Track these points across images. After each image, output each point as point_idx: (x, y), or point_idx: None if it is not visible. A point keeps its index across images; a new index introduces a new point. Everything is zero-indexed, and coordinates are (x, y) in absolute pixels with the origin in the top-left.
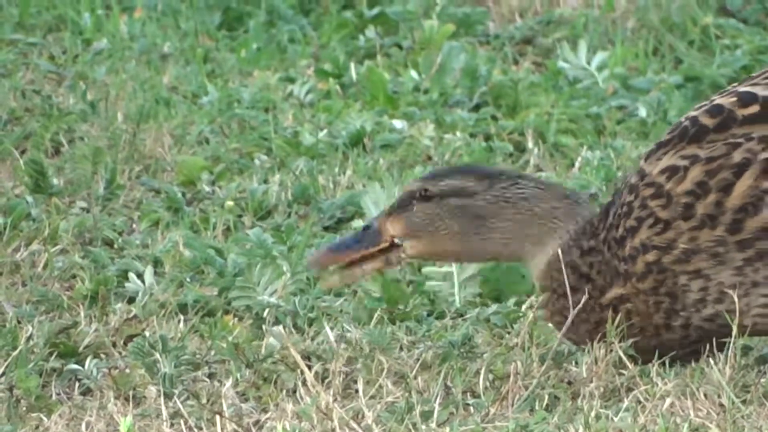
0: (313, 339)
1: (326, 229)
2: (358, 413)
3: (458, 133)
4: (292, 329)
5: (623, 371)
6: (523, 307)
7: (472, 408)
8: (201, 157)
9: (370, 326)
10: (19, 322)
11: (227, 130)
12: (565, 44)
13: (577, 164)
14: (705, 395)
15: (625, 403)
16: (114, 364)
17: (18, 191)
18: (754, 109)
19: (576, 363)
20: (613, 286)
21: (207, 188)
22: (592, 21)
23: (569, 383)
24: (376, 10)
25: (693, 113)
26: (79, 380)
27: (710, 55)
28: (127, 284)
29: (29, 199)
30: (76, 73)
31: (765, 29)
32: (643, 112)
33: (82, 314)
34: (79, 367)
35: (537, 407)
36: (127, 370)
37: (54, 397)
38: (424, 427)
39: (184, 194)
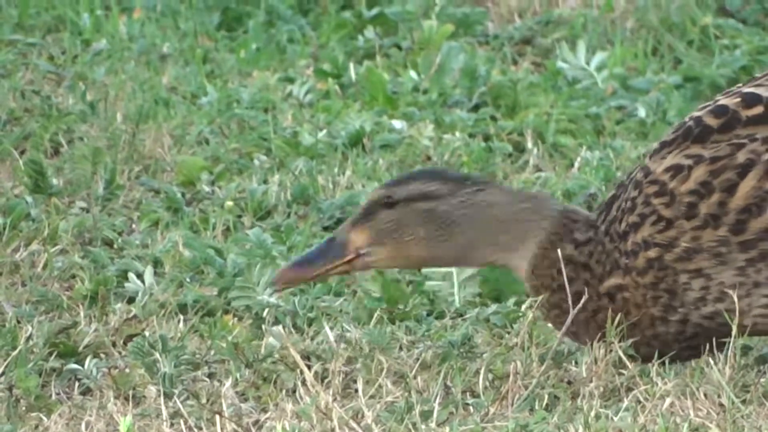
0: (312, 339)
1: (326, 229)
2: (358, 413)
3: (457, 134)
4: (292, 329)
5: (623, 371)
6: (523, 307)
7: (471, 408)
8: (200, 157)
9: (370, 326)
10: (18, 322)
11: (227, 131)
12: (564, 44)
13: (576, 164)
14: (705, 395)
15: (625, 402)
16: (114, 364)
17: (17, 191)
18: (759, 110)
19: (576, 363)
20: (612, 276)
21: (206, 188)
22: (591, 21)
23: (569, 383)
24: (375, 11)
25: (697, 113)
26: (79, 380)
27: (709, 56)
28: (126, 284)
29: (29, 199)
30: (76, 74)
31: (764, 29)
32: (642, 112)
33: (81, 314)
34: (79, 367)
35: (537, 407)
36: (127, 370)
37: (54, 396)
38: (423, 426)
39: (183, 194)
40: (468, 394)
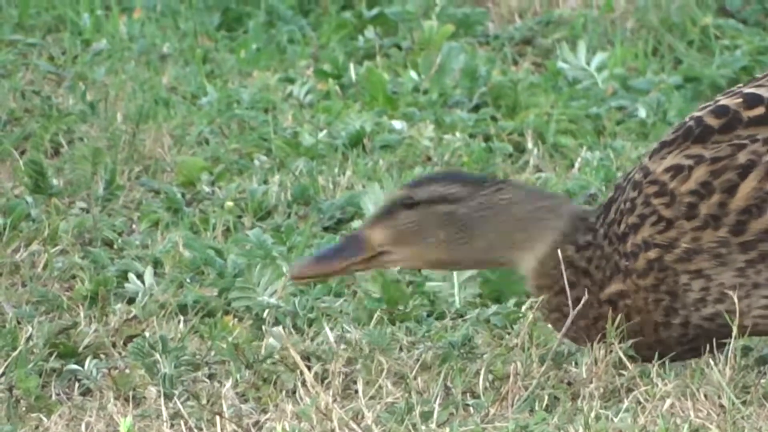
0: (312, 339)
1: (326, 229)
2: (358, 414)
3: (458, 134)
4: (292, 330)
5: (623, 372)
6: (523, 307)
7: (471, 408)
8: (200, 157)
9: (370, 327)
10: (18, 323)
11: (227, 131)
12: (564, 45)
13: (576, 165)
14: (705, 396)
15: (625, 403)
16: (114, 365)
17: (18, 192)
18: (760, 110)
19: (576, 364)
20: (613, 282)
21: (207, 189)
22: (591, 21)
23: (569, 384)
24: (375, 11)
25: (697, 113)
26: (79, 380)
27: (710, 56)
28: (126, 285)
29: (29, 199)
30: (76, 74)
31: (764, 30)
32: (642, 112)
33: (81, 315)
34: (79, 368)
35: (537, 408)
36: (127, 371)
37: (54, 397)
38: (423, 427)
39: (183, 195)
40: (468, 394)
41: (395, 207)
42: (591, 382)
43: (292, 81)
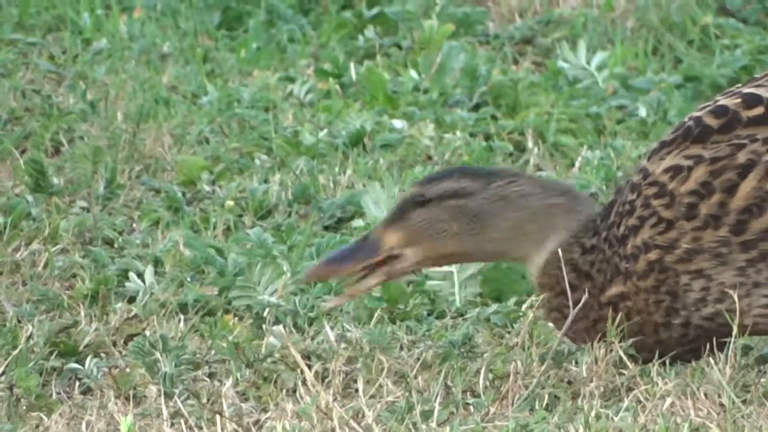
0: (313, 338)
1: (326, 228)
2: (358, 413)
3: (458, 133)
4: (293, 329)
5: (623, 371)
6: (524, 306)
7: (472, 407)
8: (201, 156)
9: (371, 326)
10: (19, 322)
11: (227, 130)
12: (564, 44)
13: (577, 164)
14: (705, 395)
15: (626, 402)
16: (114, 364)
17: (18, 191)
18: (759, 110)
19: (576, 363)
20: (613, 284)
21: (207, 188)
22: (591, 21)
23: (569, 383)
24: (375, 10)
25: (696, 113)
26: (80, 379)
27: (710, 55)
28: (127, 284)
29: (29, 198)
30: (76, 73)
31: (765, 29)
32: (642, 111)
33: (82, 313)
34: (80, 367)
35: (537, 407)
36: (128, 370)
37: (54, 396)
38: (424, 426)
39: (184, 194)
40: (468, 393)
41: (407, 207)
42: (591, 381)
43: (292, 80)
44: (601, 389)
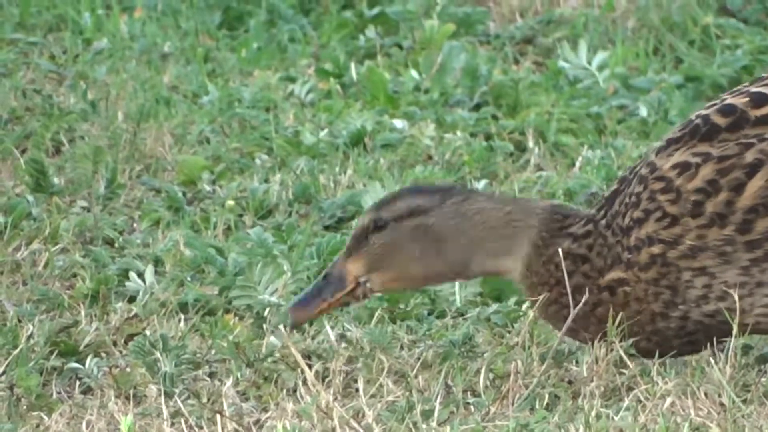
0: (313, 338)
1: (327, 228)
2: (359, 412)
3: (459, 133)
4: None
5: (624, 370)
6: (524, 306)
7: (472, 407)
8: (201, 156)
9: (371, 325)
10: (19, 321)
11: (228, 130)
12: (565, 44)
13: (577, 164)
14: (705, 394)
15: (626, 402)
16: (115, 363)
17: (19, 190)
18: (767, 109)
19: (576, 362)
20: (613, 269)
21: (208, 188)
22: (592, 21)
23: (570, 382)
24: (376, 10)
25: (704, 111)
26: (80, 379)
27: (711, 55)
28: (127, 283)
29: (30, 198)
30: (77, 73)
31: (765, 29)
32: (643, 111)
33: (82, 313)
34: (80, 366)
35: (537, 406)
36: (128, 369)
37: (54, 395)
38: (424, 426)
39: (184, 193)
40: (469, 393)
41: (365, 233)
42: (592, 381)
43: (293, 80)
44: (602, 389)
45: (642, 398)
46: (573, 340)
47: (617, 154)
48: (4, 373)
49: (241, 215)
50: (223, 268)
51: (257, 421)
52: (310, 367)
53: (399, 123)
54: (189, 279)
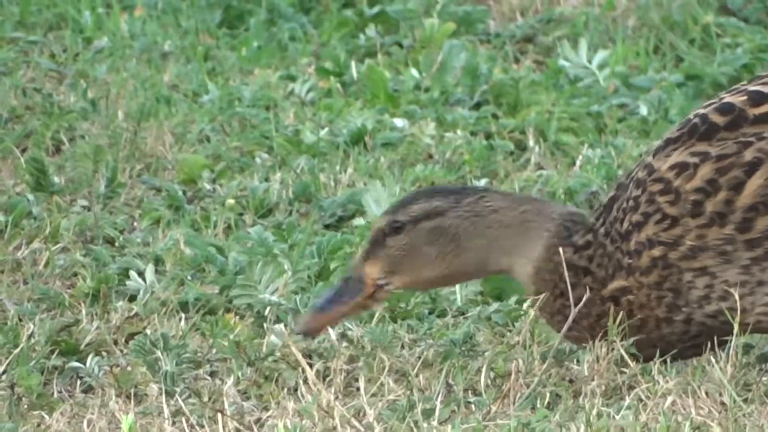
0: (314, 337)
1: (327, 227)
2: (360, 411)
3: (459, 132)
4: (294, 327)
5: (625, 369)
6: (525, 305)
7: (473, 406)
8: (202, 155)
9: (372, 324)
10: (20, 320)
11: (228, 129)
12: (565, 43)
13: (578, 162)
14: (706, 393)
15: (627, 401)
16: (115, 362)
17: (19, 189)
18: (766, 108)
19: (577, 361)
20: (615, 279)
21: (208, 186)
22: (592, 19)
23: (571, 381)
24: (376, 9)
25: (702, 110)
26: (81, 378)
27: (711, 54)
28: (128, 282)
29: (30, 197)
30: (77, 72)
31: (766, 28)
32: (644, 110)
33: (83, 312)
34: (81, 365)
35: (538, 405)
36: (129, 368)
37: (55, 395)
38: (425, 425)
39: (185, 192)
40: (470, 392)
41: (382, 236)
42: (593, 380)
43: (293, 79)
44: (603, 388)
45: (643, 397)
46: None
47: (617, 152)
48: (5, 372)
49: (241, 214)
50: (223, 267)
51: (258, 420)
52: (311, 366)
53: (399, 122)
54: (189, 278)
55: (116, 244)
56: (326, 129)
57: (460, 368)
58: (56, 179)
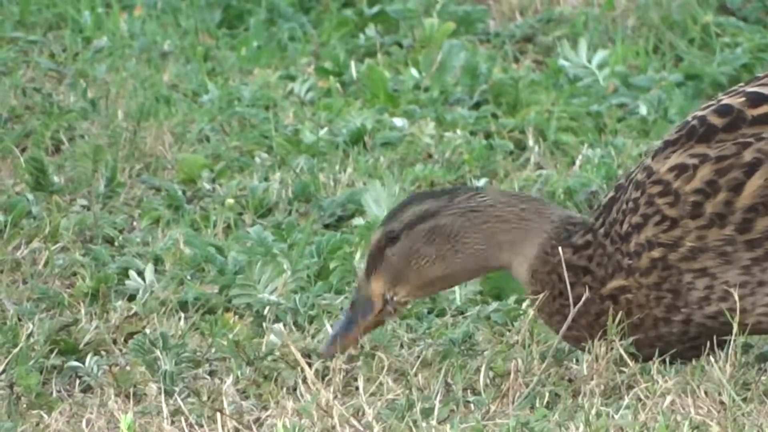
0: (313, 337)
1: (327, 227)
2: (359, 410)
3: (458, 131)
4: (293, 327)
5: (624, 369)
6: (524, 305)
7: (472, 405)
8: (201, 155)
9: None
10: (19, 320)
11: (228, 128)
12: (565, 42)
13: (577, 162)
14: (705, 393)
15: (626, 400)
16: (115, 362)
17: (18, 189)
18: (764, 109)
19: (577, 360)
20: (614, 278)
21: (207, 186)
22: (592, 19)
23: (570, 381)
24: (376, 9)
25: (700, 112)
26: (80, 377)
27: (710, 54)
28: (127, 282)
29: (30, 197)
30: (77, 71)
31: (765, 27)
32: (643, 110)
33: (82, 312)
34: (80, 365)
35: (538, 405)
36: (128, 368)
37: (54, 394)
38: (424, 424)
39: (184, 192)
40: (469, 391)
41: (380, 249)
42: (592, 379)
43: (293, 78)
44: (602, 387)
45: (642, 396)
46: (574, 346)
47: (617, 152)
48: (4, 371)
49: (240, 214)
50: (222, 267)
51: (257, 420)
52: (310, 365)
53: (399, 121)
54: (189, 277)
55: (116, 243)
56: (326, 129)
57: (459, 367)
58: (56, 179)
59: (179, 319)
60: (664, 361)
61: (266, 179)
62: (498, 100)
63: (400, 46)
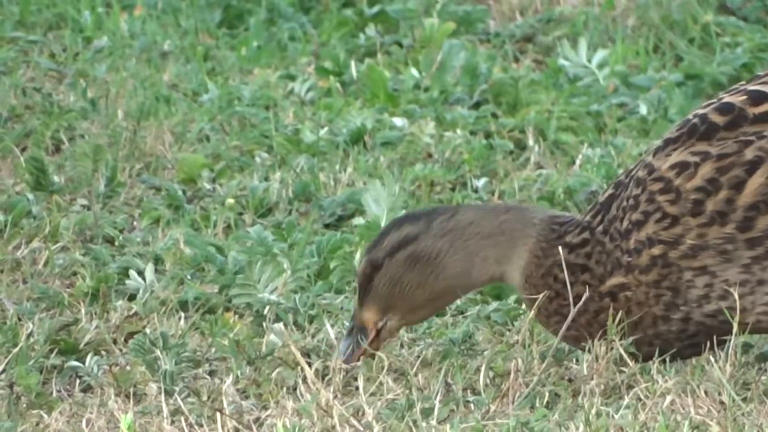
0: (313, 336)
1: (327, 226)
2: (359, 410)
3: (458, 131)
4: (293, 326)
5: (624, 369)
6: (524, 305)
7: (472, 405)
8: (201, 154)
9: None
10: (19, 319)
11: (228, 128)
12: (565, 42)
13: (577, 162)
14: (705, 393)
15: (626, 400)
16: (115, 361)
17: (19, 189)
18: (766, 107)
19: (576, 360)
20: (614, 275)
21: (207, 186)
22: (592, 19)
23: (570, 380)
24: (376, 8)
25: (701, 110)
26: (80, 377)
27: (710, 53)
28: (127, 281)
29: (30, 196)
30: (77, 71)
31: (765, 27)
32: (643, 109)
33: (82, 311)
34: (80, 364)
35: (537, 404)
36: (128, 367)
37: (54, 394)
38: (424, 424)
39: (184, 192)
40: (469, 391)
41: (367, 279)
42: (592, 379)
43: (293, 78)
44: (602, 387)
45: (642, 396)
46: (573, 346)
47: (617, 152)
48: (4, 371)
49: (241, 213)
50: (223, 267)
51: (257, 419)
52: (310, 365)
53: (399, 121)
54: (189, 277)
55: (116, 243)
56: (326, 128)
57: (459, 367)
58: (56, 178)
59: (179, 318)
60: (664, 361)
61: (266, 179)
62: (498, 100)
63: (400, 46)
